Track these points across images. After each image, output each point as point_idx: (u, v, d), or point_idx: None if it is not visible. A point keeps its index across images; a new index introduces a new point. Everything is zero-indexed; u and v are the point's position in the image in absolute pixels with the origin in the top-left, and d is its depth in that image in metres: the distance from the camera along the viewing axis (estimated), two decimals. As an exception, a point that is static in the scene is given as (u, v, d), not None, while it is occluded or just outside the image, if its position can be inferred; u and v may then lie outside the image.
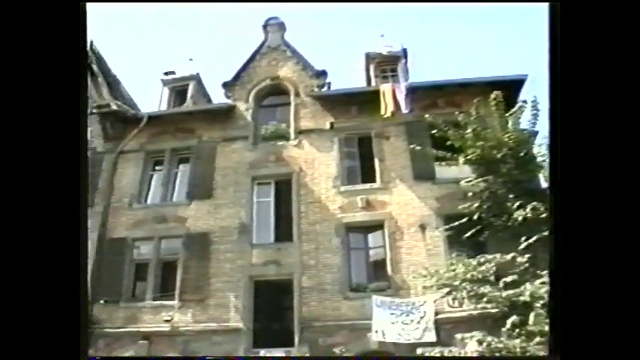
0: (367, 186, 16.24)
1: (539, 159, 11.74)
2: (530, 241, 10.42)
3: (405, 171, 16.08)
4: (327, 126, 17.39)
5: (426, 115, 13.76)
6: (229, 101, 18.91)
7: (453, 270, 11.74)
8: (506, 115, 12.16)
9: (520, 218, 10.80)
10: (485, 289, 10.93)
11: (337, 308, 14.55)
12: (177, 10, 50.31)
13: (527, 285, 10.15)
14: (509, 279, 10.61)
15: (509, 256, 10.90)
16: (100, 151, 18.81)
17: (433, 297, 13.17)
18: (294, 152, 17.28)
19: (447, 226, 13.13)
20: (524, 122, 12.11)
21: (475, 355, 11.22)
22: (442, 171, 14.80)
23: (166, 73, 22.02)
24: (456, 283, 11.51)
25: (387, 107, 16.25)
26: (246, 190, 16.92)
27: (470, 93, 14.53)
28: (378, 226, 15.62)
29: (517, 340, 10.06)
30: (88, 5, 3.82)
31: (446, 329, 13.25)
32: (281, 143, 17.54)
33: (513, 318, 10.07)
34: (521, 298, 10.12)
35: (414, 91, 16.58)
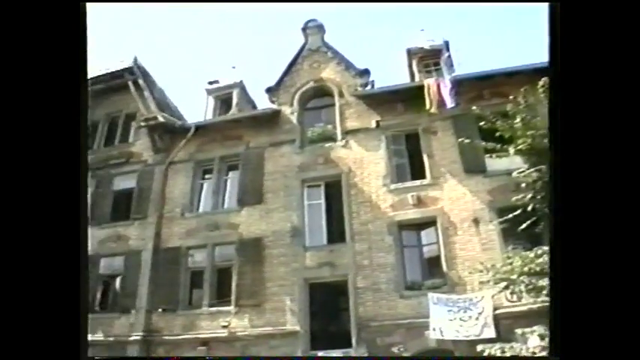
0: (417, 182, 16.06)
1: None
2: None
3: (455, 165, 15.84)
4: (374, 125, 17.27)
5: (473, 107, 13.46)
6: (274, 106, 19.02)
7: (510, 263, 11.42)
8: (556, 101, 11.80)
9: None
10: (544, 281, 10.61)
11: (393, 307, 14.43)
12: (214, 17, 50.93)
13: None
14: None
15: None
16: (151, 163, 19.33)
17: (490, 292, 12.87)
18: (342, 153, 17.24)
19: (501, 219, 12.78)
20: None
21: (538, 349, 10.95)
22: (493, 163, 14.43)
23: (210, 83, 22.29)
24: (514, 276, 11.20)
25: (432, 102, 16.02)
26: (296, 194, 17.00)
27: (516, 82, 14.11)
28: (430, 222, 15.44)
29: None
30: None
31: (505, 324, 12.93)
32: (328, 145, 17.54)
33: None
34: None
35: (459, 84, 16.27)
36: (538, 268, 10.85)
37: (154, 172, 19.06)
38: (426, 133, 16.72)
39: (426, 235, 15.61)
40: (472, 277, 13.52)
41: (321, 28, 19.97)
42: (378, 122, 17.26)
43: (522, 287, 11.17)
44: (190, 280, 17.05)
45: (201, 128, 19.31)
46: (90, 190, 19.57)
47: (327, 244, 16.23)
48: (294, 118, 18.54)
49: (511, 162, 12.95)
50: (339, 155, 17.24)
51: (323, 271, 15.52)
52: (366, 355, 13.79)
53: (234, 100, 21.42)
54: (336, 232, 16.23)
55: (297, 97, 18.90)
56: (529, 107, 11.98)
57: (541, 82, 11.78)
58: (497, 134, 12.36)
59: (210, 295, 16.33)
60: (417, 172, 16.35)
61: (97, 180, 19.76)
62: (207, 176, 19.05)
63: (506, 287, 11.74)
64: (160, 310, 16.30)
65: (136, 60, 20.97)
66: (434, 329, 13.49)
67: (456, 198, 15.37)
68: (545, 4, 3.88)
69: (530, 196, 11.69)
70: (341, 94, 18.35)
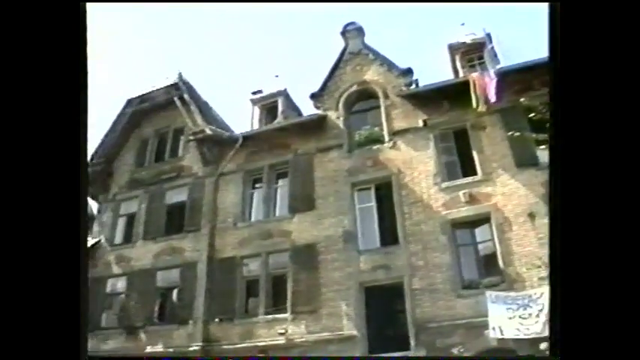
0: (469, 179, 15.78)
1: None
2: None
3: (506, 159, 15.49)
4: (421, 124, 17.07)
5: (522, 99, 13.09)
6: (319, 112, 19.04)
7: (570, 257, 11.11)
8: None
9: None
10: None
11: (451, 307, 14.20)
12: (244, 25, 51.45)
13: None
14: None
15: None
16: (201, 175, 19.64)
17: (550, 288, 12.52)
18: (391, 154, 17.10)
19: (558, 212, 12.46)
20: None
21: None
22: (545, 155, 13.98)
23: (254, 93, 22.51)
24: (575, 271, 10.89)
25: (479, 100, 15.69)
26: (346, 198, 16.95)
27: (567, 69, 13.77)
28: (484, 219, 15.14)
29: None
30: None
31: (567, 321, 12.55)
32: (376, 147, 17.43)
33: None
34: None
35: (505, 76, 15.85)
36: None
37: (204, 184, 19.37)
38: (474, 129, 16.42)
39: (481, 233, 15.31)
40: (530, 273, 13.24)
41: (360, 31, 19.83)
42: (425, 121, 17.04)
43: (584, 281, 10.82)
44: (246, 289, 17.22)
45: (248, 138, 19.53)
46: (144, 206, 20.06)
47: (381, 246, 16.10)
48: (340, 123, 18.50)
49: (564, 152, 12.57)
50: (387, 157, 17.11)
51: (378, 274, 15.41)
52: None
53: (280, 108, 21.59)
54: (388, 234, 16.08)
55: (341, 101, 18.86)
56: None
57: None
58: (549, 125, 12.01)
59: (266, 303, 16.45)
60: (468, 169, 16.07)
61: (150, 195, 20.24)
62: (257, 185, 19.23)
63: (568, 282, 11.41)
64: (217, 320, 16.51)
65: (180, 76, 21.43)
66: (493, 328, 13.14)
67: (509, 193, 15.02)
68: (545, 4, 3.89)
69: (586, 186, 11.33)
70: (386, 96, 18.20)
